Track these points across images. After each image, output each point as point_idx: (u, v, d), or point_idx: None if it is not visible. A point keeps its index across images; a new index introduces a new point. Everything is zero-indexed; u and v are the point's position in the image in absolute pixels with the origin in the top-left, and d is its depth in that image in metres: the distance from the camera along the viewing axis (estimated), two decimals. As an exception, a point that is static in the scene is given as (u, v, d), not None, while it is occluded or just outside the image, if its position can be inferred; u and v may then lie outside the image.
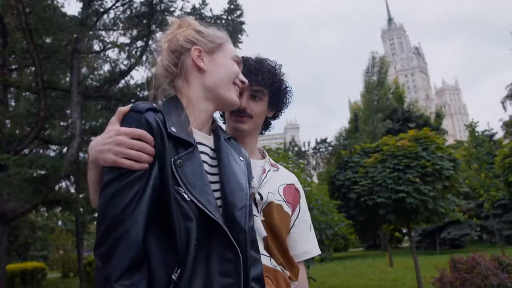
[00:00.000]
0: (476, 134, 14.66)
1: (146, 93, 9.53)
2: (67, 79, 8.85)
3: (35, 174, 7.78)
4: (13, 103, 11.43)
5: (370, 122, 18.81)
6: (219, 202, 1.10)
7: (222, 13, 11.77)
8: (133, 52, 8.84)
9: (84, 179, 11.37)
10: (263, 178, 1.45)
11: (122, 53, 8.78)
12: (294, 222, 1.50)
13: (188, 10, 10.91)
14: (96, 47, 9.23)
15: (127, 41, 9.52)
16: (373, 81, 20.47)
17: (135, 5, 8.71)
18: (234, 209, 1.09)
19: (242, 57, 1.46)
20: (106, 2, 8.63)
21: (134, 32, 8.83)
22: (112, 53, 9.45)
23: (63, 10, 10.31)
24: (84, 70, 9.49)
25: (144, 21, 8.65)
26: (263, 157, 1.55)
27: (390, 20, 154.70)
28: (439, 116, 29.48)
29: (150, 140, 0.99)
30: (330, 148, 18.80)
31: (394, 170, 8.06)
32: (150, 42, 8.82)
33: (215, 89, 1.20)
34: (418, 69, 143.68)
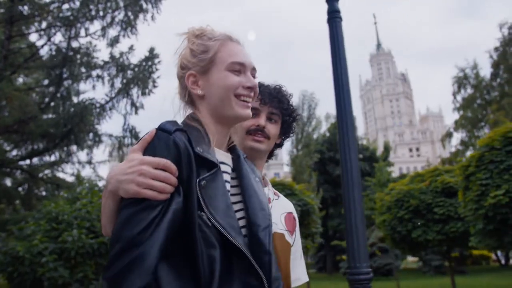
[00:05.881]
0: (380, 174, 16.43)
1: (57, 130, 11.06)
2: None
3: None
4: None
5: (299, 156, 20.62)
6: (242, 222, 1.06)
7: (142, 59, 13.38)
8: (43, 99, 10.46)
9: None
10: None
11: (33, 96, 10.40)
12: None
13: (106, 59, 12.55)
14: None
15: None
16: (303, 117, 22.19)
17: (48, 57, 10.37)
18: (258, 230, 1.05)
19: (260, 83, 1.47)
20: (22, 55, 10.28)
21: (46, 81, 10.48)
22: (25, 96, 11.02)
23: None
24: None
25: (56, 72, 10.28)
26: (265, 184, 1.50)
27: (378, 45, 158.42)
28: (386, 149, 31.46)
29: (174, 170, 0.94)
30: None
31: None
32: (61, 89, 10.43)
33: (217, 111, 1.12)
34: (403, 95, 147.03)
